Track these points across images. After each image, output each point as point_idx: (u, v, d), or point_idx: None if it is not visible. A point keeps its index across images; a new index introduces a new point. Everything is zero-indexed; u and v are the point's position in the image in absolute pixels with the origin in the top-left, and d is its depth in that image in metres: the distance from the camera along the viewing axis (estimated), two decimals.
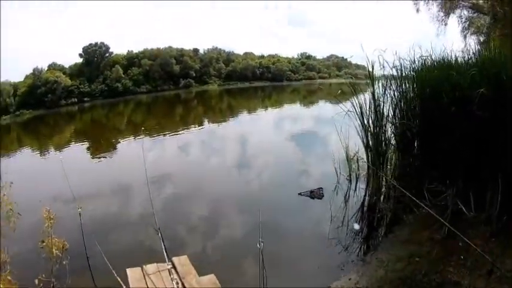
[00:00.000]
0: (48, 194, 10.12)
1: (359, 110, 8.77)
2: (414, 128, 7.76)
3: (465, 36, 27.77)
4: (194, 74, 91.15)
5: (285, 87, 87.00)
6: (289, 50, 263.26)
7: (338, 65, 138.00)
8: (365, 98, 8.86)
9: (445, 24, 27.40)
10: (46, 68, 75.70)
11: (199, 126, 26.26)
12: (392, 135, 8.55)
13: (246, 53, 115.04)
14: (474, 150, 6.54)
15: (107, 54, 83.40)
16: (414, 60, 8.50)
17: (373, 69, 8.71)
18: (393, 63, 8.70)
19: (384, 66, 8.68)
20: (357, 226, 7.20)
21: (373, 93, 8.55)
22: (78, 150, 20.06)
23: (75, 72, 78.00)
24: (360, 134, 9.00)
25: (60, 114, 54.28)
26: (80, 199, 9.18)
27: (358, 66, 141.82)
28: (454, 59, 8.32)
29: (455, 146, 6.78)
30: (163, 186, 11.22)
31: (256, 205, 7.77)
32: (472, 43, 27.53)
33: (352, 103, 8.96)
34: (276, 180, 11.27)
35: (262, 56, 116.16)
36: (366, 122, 8.72)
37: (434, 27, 27.57)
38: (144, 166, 7.48)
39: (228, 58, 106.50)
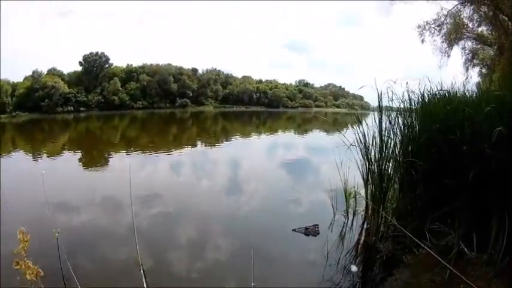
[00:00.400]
0: (34, 201, 9.80)
1: (362, 143, 8.38)
2: (419, 165, 7.38)
3: (467, 68, 27.89)
4: (191, 94, 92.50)
5: (281, 113, 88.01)
6: (287, 76, 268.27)
7: (335, 94, 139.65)
8: (368, 130, 8.45)
9: (448, 56, 27.57)
10: (45, 72, 77.18)
11: (192, 147, 26.15)
12: (396, 171, 8.08)
13: (244, 77, 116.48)
14: (483, 190, 6.21)
15: (106, 65, 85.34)
16: (423, 93, 8.28)
17: (381, 100, 8.34)
18: (402, 95, 8.39)
19: (392, 99, 8.37)
20: (354, 268, 6.64)
21: (379, 126, 8.19)
22: (71, 159, 19.75)
23: (73, 79, 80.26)
24: (361, 168, 8.54)
25: (55, 120, 54.59)
26: (66, 211, 9.80)
27: (355, 97, 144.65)
28: (462, 92, 8.25)
29: (463, 185, 6.38)
30: (150, 206, 10.79)
31: (246, 240, 7.31)
32: (474, 75, 27.79)
33: (355, 135, 8.56)
34: (267, 214, 10.61)
35: (260, 81, 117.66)
36: (368, 155, 8.30)
37: (437, 59, 27.72)
38: (130, 187, 7.31)
39: (226, 80, 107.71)
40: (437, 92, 8.26)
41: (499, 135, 5.66)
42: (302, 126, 54.64)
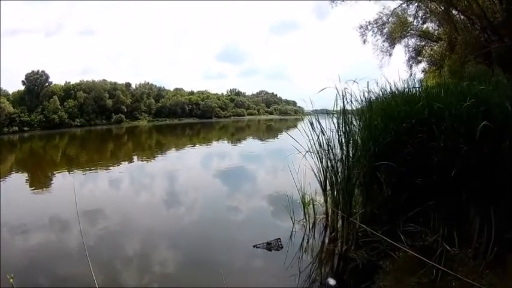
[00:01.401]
0: None
1: (320, 147, 7.92)
2: (385, 166, 6.97)
3: (411, 66, 28.08)
4: (125, 109, 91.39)
5: (214, 123, 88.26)
6: (219, 86, 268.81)
7: (267, 101, 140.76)
8: (321, 134, 8.01)
9: (390, 55, 27.61)
10: None
11: (129, 162, 25.32)
12: (359, 175, 7.52)
13: (176, 89, 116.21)
14: (458, 185, 6.06)
15: (47, 84, 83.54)
16: (380, 92, 8.01)
17: (344, 102, 7.87)
18: (359, 96, 8.12)
19: (351, 100, 7.95)
20: (332, 281, 5.87)
21: (340, 129, 7.73)
22: (19, 180, 18.99)
23: (17, 99, 78.22)
24: (318, 175, 8.02)
25: (2, 141, 52.61)
26: (17, 232, 9.39)
27: (288, 102, 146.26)
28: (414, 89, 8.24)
29: (437, 183, 6.25)
30: (96, 223, 10.20)
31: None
32: (418, 72, 27.96)
33: (309, 140, 8.08)
34: (213, 224, 10.00)
35: (192, 92, 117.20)
36: (327, 160, 7.84)
37: (378, 59, 27.74)
38: (76, 205, 6.33)
39: (159, 94, 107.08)
40: (394, 91, 8.04)
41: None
42: (236, 134, 54.30)
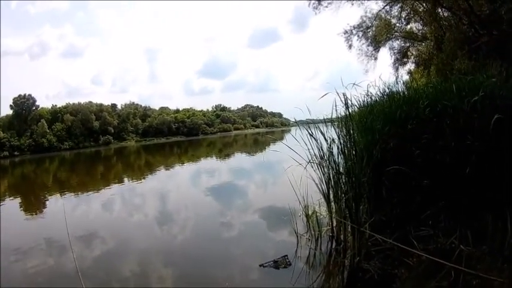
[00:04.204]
0: None
1: (318, 157, 7.64)
2: (392, 172, 6.70)
3: (397, 68, 27.93)
4: (113, 130, 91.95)
5: (201, 140, 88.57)
6: (204, 102, 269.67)
7: (253, 114, 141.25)
8: (321, 143, 7.74)
9: (375, 59, 27.41)
10: None
11: (119, 183, 24.68)
12: (364, 182, 7.23)
13: (161, 108, 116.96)
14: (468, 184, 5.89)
15: (34, 108, 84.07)
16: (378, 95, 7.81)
17: (347, 108, 7.63)
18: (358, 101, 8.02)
19: (351, 105, 7.70)
20: None
21: (343, 136, 7.50)
22: (12, 205, 18.78)
23: (6, 124, 79.85)
24: (320, 185, 7.72)
25: None
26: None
27: (274, 114, 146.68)
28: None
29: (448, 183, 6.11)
30: (90, 246, 10.10)
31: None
32: (404, 74, 27.80)
33: (308, 150, 7.79)
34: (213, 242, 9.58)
35: (178, 110, 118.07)
36: (328, 170, 7.55)
37: (364, 64, 27.53)
38: (67, 229, 6.94)
39: (145, 113, 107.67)
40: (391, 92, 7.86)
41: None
42: (224, 150, 53.76)
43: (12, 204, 19.16)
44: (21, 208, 18.04)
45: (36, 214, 15.79)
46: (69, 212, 14.50)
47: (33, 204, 18.84)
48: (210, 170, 27.96)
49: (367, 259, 6.33)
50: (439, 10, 20.82)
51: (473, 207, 5.83)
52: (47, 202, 19.16)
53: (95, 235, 11.25)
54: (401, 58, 27.85)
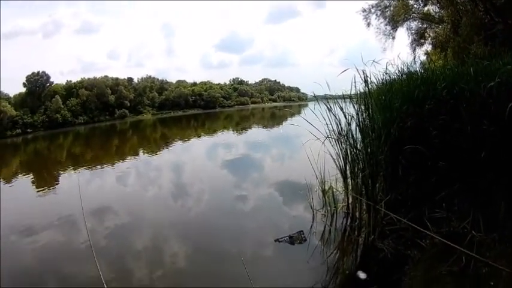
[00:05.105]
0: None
1: (336, 133, 7.66)
2: (408, 150, 6.70)
3: (414, 48, 27.79)
4: (129, 104, 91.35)
5: (218, 113, 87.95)
6: (221, 76, 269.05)
7: (271, 88, 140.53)
8: (339, 119, 7.75)
9: (393, 38, 27.40)
10: None
11: (135, 157, 24.95)
12: (381, 160, 7.24)
13: (178, 81, 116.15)
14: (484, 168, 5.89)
15: (48, 84, 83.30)
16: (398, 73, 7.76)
17: (367, 84, 7.59)
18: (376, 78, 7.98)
19: (369, 82, 7.64)
20: (362, 275, 5.57)
21: (359, 112, 7.49)
22: (25, 182, 18.75)
23: (19, 102, 78.24)
24: (337, 161, 7.76)
25: (6, 145, 52.87)
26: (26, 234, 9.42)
27: (291, 89, 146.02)
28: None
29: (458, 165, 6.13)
30: (104, 220, 10.21)
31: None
32: (421, 54, 27.70)
33: (327, 125, 7.80)
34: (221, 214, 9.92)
35: (195, 84, 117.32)
36: (345, 146, 7.57)
37: (381, 42, 27.51)
38: (81, 203, 6.64)
39: (161, 86, 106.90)
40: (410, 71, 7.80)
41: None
42: (241, 123, 53.52)
43: (24, 181, 19.23)
44: (33, 185, 18.04)
45: (48, 190, 15.79)
46: (83, 187, 14.31)
47: (46, 181, 18.92)
48: (226, 143, 27.95)
49: (381, 238, 6.43)
50: None
51: (488, 193, 5.86)
52: (60, 178, 19.33)
53: (109, 209, 11.36)
54: (418, 39, 27.65)
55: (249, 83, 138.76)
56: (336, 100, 8.02)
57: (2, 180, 19.80)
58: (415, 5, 25.67)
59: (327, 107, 7.82)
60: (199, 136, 37.53)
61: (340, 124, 7.68)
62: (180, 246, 7.98)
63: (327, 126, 7.80)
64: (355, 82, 7.59)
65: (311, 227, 7.70)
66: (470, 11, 19.42)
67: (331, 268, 6.08)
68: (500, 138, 5.80)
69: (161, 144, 33.45)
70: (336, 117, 7.74)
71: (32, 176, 21.04)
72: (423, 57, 26.66)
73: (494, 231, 5.45)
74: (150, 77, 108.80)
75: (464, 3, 20.54)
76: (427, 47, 27.96)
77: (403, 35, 31.18)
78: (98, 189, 14.96)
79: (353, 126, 7.58)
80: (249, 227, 8.64)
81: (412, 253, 5.81)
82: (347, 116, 7.64)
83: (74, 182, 16.05)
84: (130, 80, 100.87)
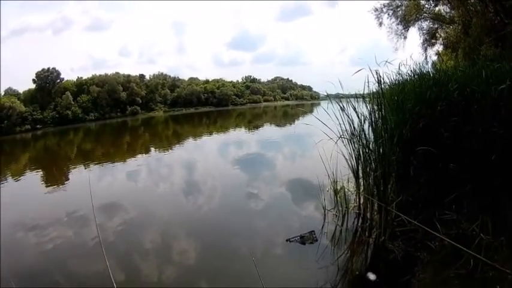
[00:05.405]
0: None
1: (348, 133, 7.65)
2: (420, 152, 6.72)
3: (426, 48, 27.74)
4: (140, 101, 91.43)
5: (230, 111, 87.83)
6: (234, 74, 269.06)
7: (283, 86, 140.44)
8: (352, 119, 7.75)
9: (405, 38, 27.38)
10: (3, 93, 76.98)
11: (146, 154, 25.15)
12: (393, 161, 7.24)
13: (191, 78, 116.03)
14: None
15: (58, 80, 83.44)
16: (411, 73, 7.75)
17: (380, 84, 7.57)
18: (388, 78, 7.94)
19: (381, 82, 7.63)
20: (372, 276, 5.64)
21: (371, 112, 7.50)
22: (34, 179, 18.80)
23: (28, 98, 78.45)
24: (349, 161, 7.77)
25: (15, 141, 53.28)
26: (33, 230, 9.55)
27: (303, 88, 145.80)
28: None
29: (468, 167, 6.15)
30: (114, 217, 10.25)
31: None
32: (432, 54, 27.67)
33: (340, 125, 7.80)
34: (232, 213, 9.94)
35: (207, 81, 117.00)
36: (358, 146, 7.59)
37: (393, 42, 27.50)
38: (91, 200, 6.34)
39: (174, 84, 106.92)
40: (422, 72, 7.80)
41: None
42: (253, 121, 53.31)
43: (33, 178, 19.17)
44: (42, 181, 18.16)
45: (58, 186, 15.93)
46: (93, 184, 14.86)
47: (55, 177, 18.99)
48: (238, 141, 27.94)
49: (392, 239, 6.47)
50: None
51: (496, 196, 5.88)
52: (70, 174, 19.42)
53: (119, 206, 11.44)
54: (429, 39, 27.61)
55: (262, 81, 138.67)
56: (348, 99, 8.00)
57: (11, 176, 19.87)
58: (426, 5, 25.73)
59: (340, 107, 7.81)
60: (211, 133, 37.74)
61: (353, 124, 7.67)
62: (190, 244, 8.03)
63: (340, 126, 7.78)
64: (368, 82, 7.58)
65: (322, 227, 7.72)
66: (480, 12, 19.38)
67: (341, 268, 6.13)
68: (510, 141, 5.82)
69: (173, 141, 33.52)
70: (348, 117, 7.73)
71: (42, 173, 21.10)
72: (434, 57, 26.59)
73: (502, 234, 5.47)
74: (162, 74, 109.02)
75: (474, 4, 20.51)
76: (438, 47, 27.93)
77: (414, 34, 31.02)
78: (108, 186, 15.00)
79: (365, 126, 7.57)
80: (260, 225, 8.65)
81: (421, 255, 5.85)
82: (360, 116, 7.63)
83: (84, 178, 16.25)
84: (142, 76, 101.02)
